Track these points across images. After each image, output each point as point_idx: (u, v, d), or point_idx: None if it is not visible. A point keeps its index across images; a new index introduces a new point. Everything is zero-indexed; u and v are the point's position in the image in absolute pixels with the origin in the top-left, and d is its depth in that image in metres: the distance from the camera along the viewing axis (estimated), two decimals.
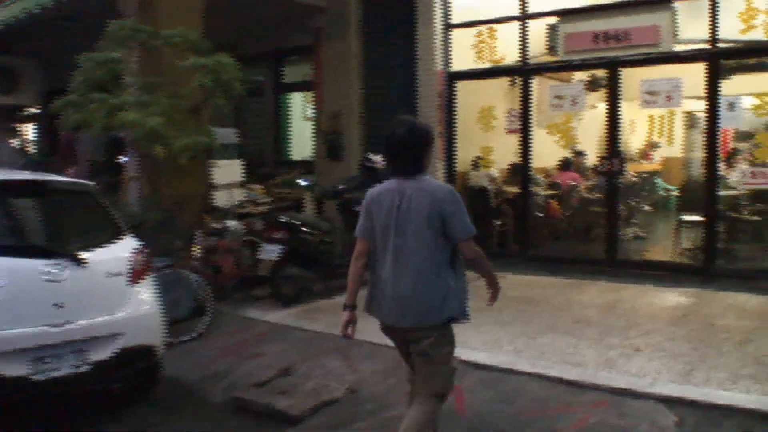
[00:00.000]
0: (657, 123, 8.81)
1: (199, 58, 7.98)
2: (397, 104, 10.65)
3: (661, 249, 10.57)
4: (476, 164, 10.77)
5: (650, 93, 8.75)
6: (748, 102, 8.37)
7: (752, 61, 11.40)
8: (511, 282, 8.62)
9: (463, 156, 10.64)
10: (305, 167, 11.96)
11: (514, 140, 9.95)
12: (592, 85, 13.74)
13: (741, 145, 14.07)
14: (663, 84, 8.66)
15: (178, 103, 8.25)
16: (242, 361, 6.35)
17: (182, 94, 8.27)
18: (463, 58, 10.23)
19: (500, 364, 5.91)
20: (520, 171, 9.89)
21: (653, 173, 17.28)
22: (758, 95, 8.20)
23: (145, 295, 5.47)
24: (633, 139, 17.12)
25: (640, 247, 11.25)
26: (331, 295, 8.37)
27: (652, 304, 7.76)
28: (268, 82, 13.12)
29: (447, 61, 10.28)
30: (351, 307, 3.96)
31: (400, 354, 4.13)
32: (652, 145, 17.33)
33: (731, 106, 8.26)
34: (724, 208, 9.22)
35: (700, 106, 16.80)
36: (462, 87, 10.36)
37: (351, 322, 3.97)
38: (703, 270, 8.55)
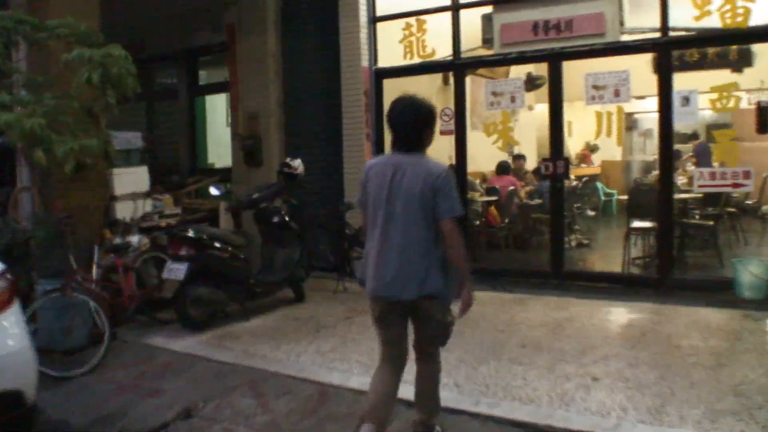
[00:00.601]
0: (604, 121, 7.64)
1: (85, 50, 6.75)
2: (319, 105, 9.63)
3: (610, 258, 9.72)
4: None
5: (596, 88, 7.85)
6: (703, 96, 7.49)
7: (711, 50, 10.83)
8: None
9: None
10: (225, 175, 10.80)
11: (448, 142, 8.93)
12: (530, 84, 12.98)
13: (684, 146, 13.49)
14: (610, 78, 7.77)
15: (66, 102, 6.99)
16: (140, 400, 5.35)
17: (72, 93, 7.01)
18: (391, 54, 9.22)
19: None
20: (455, 175, 8.85)
21: (593, 177, 16.64)
22: (716, 88, 7.34)
23: (9, 330, 4.30)
24: (571, 142, 16.52)
25: (586, 256, 10.38)
26: (247, 318, 7.37)
27: (606, 322, 6.83)
28: (182, 83, 11.85)
29: (373, 57, 9.26)
30: None
31: (385, 337, 4.09)
32: (592, 148, 16.64)
33: (686, 101, 7.39)
34: (677, 214, 8.39)
35: (643, 106, 16.53)
36: (390, 85, 9.34)
37: None
38: (658, 282, 7.68)
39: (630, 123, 17.42)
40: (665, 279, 7.61)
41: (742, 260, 7.33)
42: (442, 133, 8.87)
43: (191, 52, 11.58)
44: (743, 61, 10.83)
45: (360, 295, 6.84)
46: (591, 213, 14.32)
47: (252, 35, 10.05)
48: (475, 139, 9.19)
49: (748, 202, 10.96)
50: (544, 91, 8.28)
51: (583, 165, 16.30)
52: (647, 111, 16.28)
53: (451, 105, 8.82)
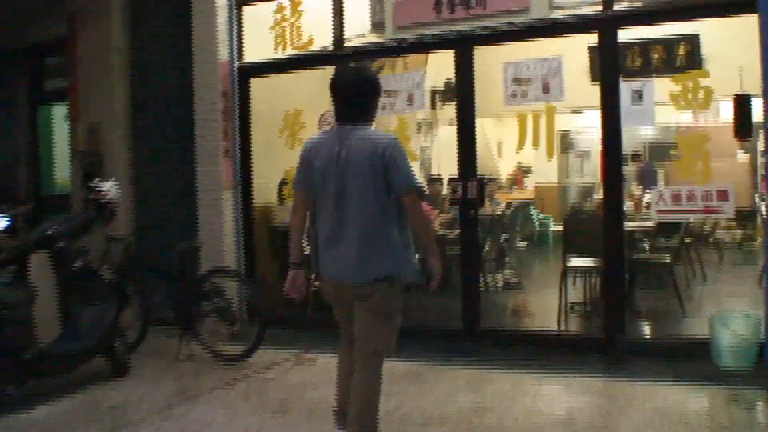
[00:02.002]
0: (529, 127, 5.36)
1: None
2: (173, 112, 7.25)
3: (543, 306, 7.53)
4: (281, 194, 7.36)
5: (518, 82, 5.65)
6: (660, 90, 5.31)
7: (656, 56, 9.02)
8: (322, 370, 5.60)
9: (264, 182, 7.26)
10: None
11: None
12: (451, 93, 10.83)
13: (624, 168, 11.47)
14: (536, 67, 5.59)
15: None
16: None
17: None
18: (260, 46, 6.92)
19: None
20: None
21: (526, 203, 14.60)
22: (677, 78, 5.19)
23: None
24: (502, 164, 14.48)
25: (513, 303, 8.15)
26: (31, 405, 4.95)
27: (538, 412, 4.55)
28: (21, 88, 9.22)
29: (236, 49, 6.92)
30: (297, 264, 3.63)
31: (338, 317, 3.73)
32: (524, 170, 14.54)
33: (638, 96, 5.23)
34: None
35: (579, 122, 14.53)
36: (260, 85, 7.06)
37: (297, 281, 3.62)
38: (606, 343, 5.45)
39: (566, 143, 15.45)
40: (616, 340, 5.39)
41: (720, 315, 5.13)
42: None
43: (33, 50, 9.01)
44: (692, 65, 9.00)
45: (206, 366, 5.84)
46: (522, 245, 12.14)
47: (95, 27, 7.67)
48: None
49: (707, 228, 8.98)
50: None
51: (514, 189, 14.19)
52: (585, 128, 14.36)
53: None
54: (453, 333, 6.02)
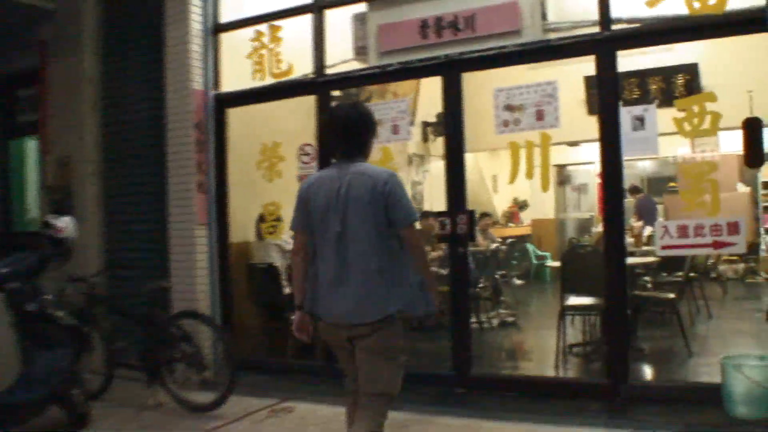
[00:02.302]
0: (523, 157, 4.93)
1: None
2: (146, 144, 6.81)
3: (540, 347, 7.06)
4: (260, 231, 6.90)
5: (510, 109, 5.24)
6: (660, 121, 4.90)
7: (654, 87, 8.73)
8: (299, 420, 5.17)
9: (241, 217, 6.83)
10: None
11: None
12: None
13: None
14: (530, 93, 5.19)
15: None
16: None
17: None
18: (238, 74, 6.52)
19: None
20: None
21: (523, 238, 14.20)
22: (682, 102, 4.79)
23: None
24: (497, 199, 14.10)
25: (508, 344, 7.67)
26: None
27: None
28: None
29: (213, 78, 6.54)
30: (301, 306, 3.49)
31: (341, 358, 3.54)
32: (520, 205, 14.14)
33: (639, 122, 4.82)
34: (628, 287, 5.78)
35: (575, 156, 14.15)
36: (236, 115, 6.67)
37: (304, 323, 3.47)
38: (608, 390, 4.97)
39: (562, 177, 15.08)
40: (619, 386, 4.91)
41: (732, 359, 4.66)
42: (302, 179, 6.18)
43: (4, 81, 8.61)
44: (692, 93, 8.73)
45: (174, 416, 5.37)
46: (518, 282, 11.68)
47: (66, 56, 7.28)
48: None
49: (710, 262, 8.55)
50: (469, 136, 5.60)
51: (510, 224, 13.78)
52: (582, 161, 14.00)
53: (313, 140, 6.11)
54: (443, 379, 5.53)
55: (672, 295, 6.39)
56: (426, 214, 9.36)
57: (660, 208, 11.73)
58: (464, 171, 5.50)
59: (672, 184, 12.53)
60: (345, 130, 3.43)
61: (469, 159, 5.54)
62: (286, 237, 6.70)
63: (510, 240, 11.85)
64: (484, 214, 10.89)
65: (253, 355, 6.49)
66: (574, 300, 6.24)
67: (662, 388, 5.28)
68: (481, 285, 8.41)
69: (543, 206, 14.56)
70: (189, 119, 6.30)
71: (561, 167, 14.79)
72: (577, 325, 6.80)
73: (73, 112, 7.17)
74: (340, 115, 3.50)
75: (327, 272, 3.37)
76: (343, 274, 3.31)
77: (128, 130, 6.96)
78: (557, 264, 6.35)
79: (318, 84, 6.02)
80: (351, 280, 3.29)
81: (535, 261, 13.79)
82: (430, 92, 8.00)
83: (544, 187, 5.39)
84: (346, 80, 6.01)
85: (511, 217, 13.79)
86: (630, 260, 6.13)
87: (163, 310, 5.88)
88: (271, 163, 6.32)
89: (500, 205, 13.67)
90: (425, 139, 10.59)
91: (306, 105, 6.18)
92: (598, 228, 10.26)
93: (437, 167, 10.84)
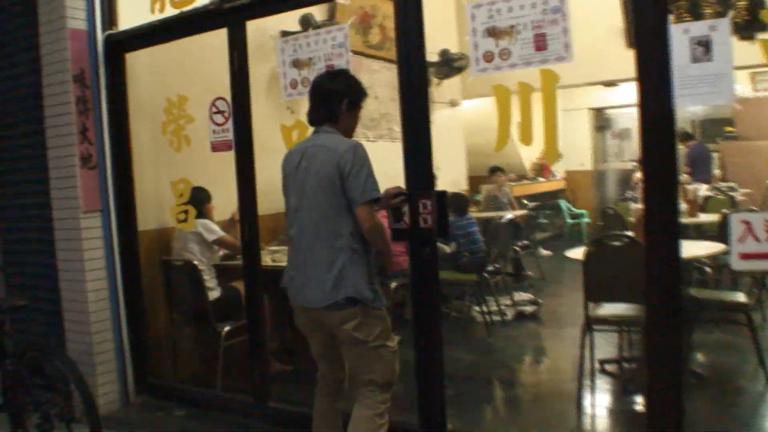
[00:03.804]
0: (515, 109, 2.95)
1: None
2: (25, 108, 4.95)
3: (563, 362, 5.22)
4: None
5: (494, 34, 3.29)
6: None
7: None
8: None
9: (154, 198, 5.01)
10: None
11: (226, 166, 4.30)
12: (448, 67, 8.54)
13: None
14: (525, 9, 3.22)
15: None
16: None
17: None
18: (138, 7, 4.62)
19: None
20: (247, 224, 4.23)
21: (555, 194, 12.28)
22: None
23: None
24: (524, 150, 12.02)
25: (520, 354, 5.77)
26: None
27: None
28: None
29: (104, 13, 4.68)
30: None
31: (311, 344, 3.26)
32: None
33: (703, 48, 2.84)
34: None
35: (614, 98, 11.98)
36: (142, 63, 4.82)
37: None
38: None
39: (600, 122, 12.95)
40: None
41: None
42: (215, 148, 4.34)
43: None
44: None
45: None
46: (545, 252, 9.75)
47: None
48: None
49: None
50: (482, 80, 3.43)
51: (540, 179, 11.77)
52: (622, 105, 11.86)
53: (227, 93, 4.22)
54: None
55: (743, 297, 4.42)
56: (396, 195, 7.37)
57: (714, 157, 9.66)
58: (428, 134, 3.54)
59: (728, 128, 10.38)
60: (313, 95, 3.18)
61: (485, 105, 3.62)
62: (208, 224, 4.90)
63: (528, 205, 9.84)
64: (496, 169, 8.93)
65: (175, 384, 4.82)
66: (607, 310, 4.33)
67: None
68: (490, 268, 6.54)
69: (580, 154, 12.54)
70: (66, 69, 4.47)
71: (598, 111, 12.68)
72: (608, 346, 4.92)
73: None
74: (313, 80, 3.26)
75: (289, 252, 3.23)
76: (299, 256, 3.12)
77: (2, 89, 5.14)
78: (579, 257, 4.39)
79: (226, 12, 4.11)
80: (306, 262, 3.07)
81: (569, 220, 11.82)
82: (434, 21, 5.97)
83: (550, 156, 3.46)
84: (260, 6, 4.06)
85: (541, 170, 11.75)
86: (686, 249, 4.16)
87: (17, 337, 4.14)
88: (177, 126, 4.49)
89: (529, 157, 11.62)
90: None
91: (215, 45, 4.29)
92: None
93: (444, 116, 8.89)
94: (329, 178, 2.96)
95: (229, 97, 4.20)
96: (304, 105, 3.29)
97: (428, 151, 3.51)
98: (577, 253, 4.49)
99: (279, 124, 3.88)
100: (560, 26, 3.17)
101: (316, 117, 3.16)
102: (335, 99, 3.10)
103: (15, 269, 5.05)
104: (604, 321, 4.30)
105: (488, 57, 3.31)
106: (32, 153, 4.80)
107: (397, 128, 8.00)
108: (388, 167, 3.61)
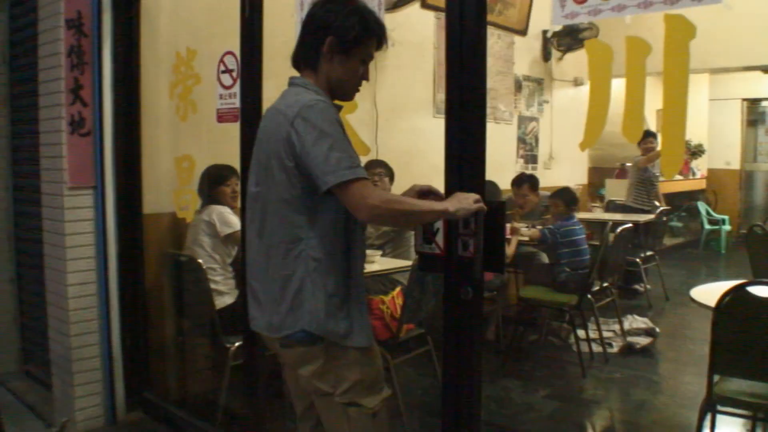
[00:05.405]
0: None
1: None
2: (25, 62, 4.10)
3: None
4: (216, 195, 4.01)
5: None
6: None
7: None
8: None
9: (161, 177, 4.00)
10: None
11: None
12: (571, 39, 7.15)
13: None
14: None
15: None
16: None
17: None
18: None
19: None
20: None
21: (693, 195, 10.61)
22: None
23: None
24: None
25: (614, 411, 4.41)
26: None
27: None
28: None
29: None
30: None
31: (287, 380, 2.30)
32: (692, 150, 10.37)
33: None
34: None
35: None
36: (153, 6, 3.84)
37: None
38: None
39: (754, 114, 11.04)
40: None
41: None
42: (220, 118, 3.28)
43: None
44: None
45: None
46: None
47: None
48: None
49: None
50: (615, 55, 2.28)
51: (677, 177, 10.07)
52: None
53: (237, 47, 3.13)
54: None
55: None
56: (520, 181, 5.97)
57: None
58: (484, 113, 2.29)
59: None
60: (302, 27, 2.13)
61: (619, 86, 2.49)
62: (224, 213, 3.86)
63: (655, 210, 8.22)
64: (650, 133, 7.23)
65: (166, 403, 3.87)
66: (737, 385, 2.94)
67: None
68: (596, 287, 5.16)
69: (727, 151, 10.77)
70: (58, 12, 3.54)
71: (752, 102, 10.79)
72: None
73: None
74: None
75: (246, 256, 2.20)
76: (253, 263, 2.11)
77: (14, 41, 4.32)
78: (710, 303, 2.99)
79: None
80: (258, 273, 2.08)
81: (707, 226, 10.08)
82: None
83: (629, 135, 2.22)
84: None
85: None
86: None
87: None
88: (185, 87, 3.47)
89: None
90: (546, 57, 7.16)
91: None
92: None
93: (564, 96, 7.50)
94: (278, 157, 1.96)
95: (238, 53, 3.12)
96: None
97: (481, 137, 2.26)
98: (708, 294, 3.11)
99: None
100: None
101: (294, 59, 2.16)
102: (318, 34, 2.05)
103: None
104: (734, 402, 2.91)
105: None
106: (26, 115, 3.95)
107: (503, 107, 6.78)
108: (490, 154, 2.28)
